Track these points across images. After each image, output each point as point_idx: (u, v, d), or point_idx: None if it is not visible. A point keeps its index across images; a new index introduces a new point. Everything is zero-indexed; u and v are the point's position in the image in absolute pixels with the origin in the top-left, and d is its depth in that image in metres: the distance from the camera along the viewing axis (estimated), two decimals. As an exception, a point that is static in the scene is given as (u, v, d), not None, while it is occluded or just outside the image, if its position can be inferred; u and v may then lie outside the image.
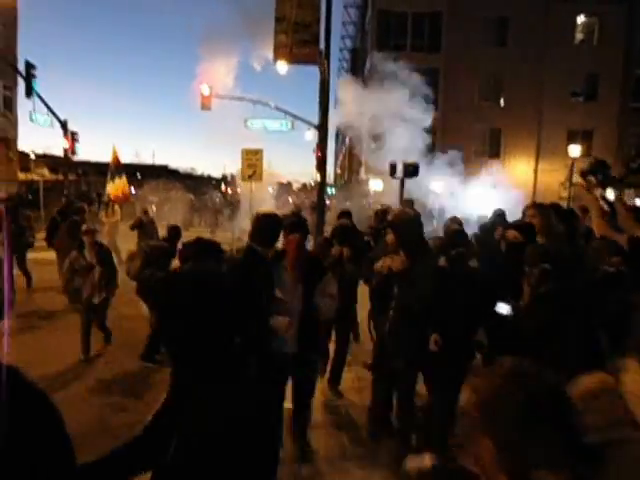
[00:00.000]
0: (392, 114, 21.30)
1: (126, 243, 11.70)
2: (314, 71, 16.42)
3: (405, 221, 4.00)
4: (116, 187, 13.78)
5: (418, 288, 3.57)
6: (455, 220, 5.65)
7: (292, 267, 3.66)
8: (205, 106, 18.00)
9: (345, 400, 5.24)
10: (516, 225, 4.31)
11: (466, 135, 29.03)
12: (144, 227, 11.50)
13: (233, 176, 21.37)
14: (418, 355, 3.71)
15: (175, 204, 26.86)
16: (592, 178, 3.88)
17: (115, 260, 7.44)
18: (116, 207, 13.57)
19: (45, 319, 7.93)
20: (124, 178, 14.26)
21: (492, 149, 30.17)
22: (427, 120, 28.99)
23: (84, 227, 6.67)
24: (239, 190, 22.35)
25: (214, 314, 1.38)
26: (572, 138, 27.68)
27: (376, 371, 4.38)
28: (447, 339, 3.68)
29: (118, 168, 14.29)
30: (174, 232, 6.57)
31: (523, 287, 3.37)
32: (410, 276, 3.64)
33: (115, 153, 14.44)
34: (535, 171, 29.64)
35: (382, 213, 8.13)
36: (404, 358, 3.71)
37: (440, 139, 29.36)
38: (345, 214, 7.37)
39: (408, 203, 11.48)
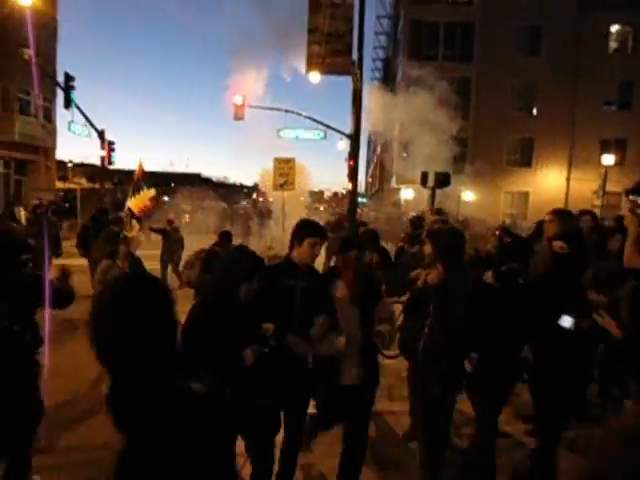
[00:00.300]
0: (423, 123, 21.29)
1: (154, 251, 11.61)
2: (344, 80, 16.63)
3: (444, 231, 3.73)
4: (137, 201, 12.91)
5: (455, 304, 3.31)
6: (505, 231, 5.15)
7: (349, 289, 3.48)
8: (238, 116, 18.35)
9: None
10: (562, 234, 4.02)
11: (498, 144, 28.83)
12: (168, 235, 11.45)
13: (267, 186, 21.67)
14: (457, 379, 3.43)
15: (208, 212, 27.31)
16: (637, 198, 3.71)
17: None
18: (134, 222, 13.14)
19: (74, 328, 7.63)
20: (151, 190, 13.35)
21: (524, 158, 29.88)
22: (458, 129, 28.86)
23: (121, 235, 6.44)
24: (270, 199, 22.55)
25: (137, 323, 1.32)
26: (605, 147, 27.18)
27: (413, 395, 4.05)
28: (487, 360, 3.48)
29: (142, 180, 13.61)
30: (226, 237, 6.68)
31: (593, 313, 3.09)
32: (447, 291, 3.39)
33: (140, 166, 13.92)
34: (568, 180, 29.21)
35: (417, 219, 8.15)
36: (441, 382, 3.38)
37: (471, 148, 29.21)
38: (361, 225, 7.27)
39: (438, 212, 11.45)
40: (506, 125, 28.52)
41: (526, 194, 29.46)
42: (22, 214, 12.47)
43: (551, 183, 29.01)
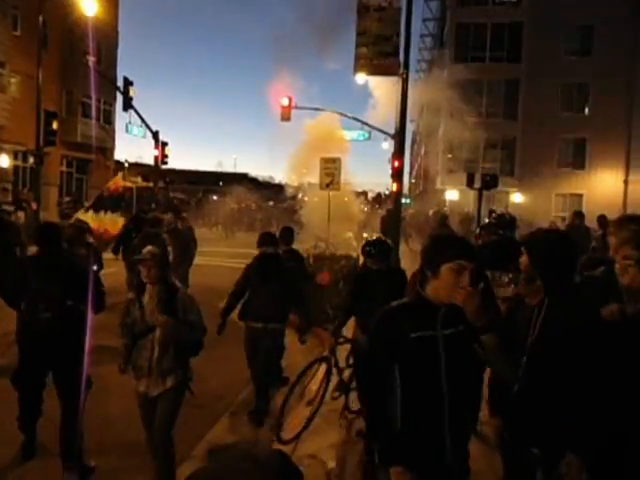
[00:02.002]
0: (468, 124, 21.21)
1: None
2: (384, 80, 16.76)
3: (547, 240, 2.64)
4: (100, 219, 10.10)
5: (555, 344, 2.36)
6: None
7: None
8: (284, 117, 18.79)
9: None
10: None
11: (548, 145, 28.16)
12: (176, 233, 8.96)
13: (310, 184, 22.06)
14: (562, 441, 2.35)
15: (255, 211, 28.08)
16: None
17: None
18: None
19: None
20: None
21: (576, 160, 29.00)
22: (506, 130, 28.48)
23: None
24: (310, 198, 22.80)
25: None
26: (665, 148, 26.11)
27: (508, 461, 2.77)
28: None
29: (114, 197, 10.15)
30: (265, 240, 5.53)
31: None
32: (547, 321, 2.46)
33: (116, 181, 11.03)
34: (625, 182, 28.11)
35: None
36: (539, 446, 2.42)
37: (520, 149, 28.67)
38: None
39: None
40: (557, 126, 27.82)
41: (579, 196, 28.53)
42: (20, 215, 12.74)
43: (607, 185, 27.90)
